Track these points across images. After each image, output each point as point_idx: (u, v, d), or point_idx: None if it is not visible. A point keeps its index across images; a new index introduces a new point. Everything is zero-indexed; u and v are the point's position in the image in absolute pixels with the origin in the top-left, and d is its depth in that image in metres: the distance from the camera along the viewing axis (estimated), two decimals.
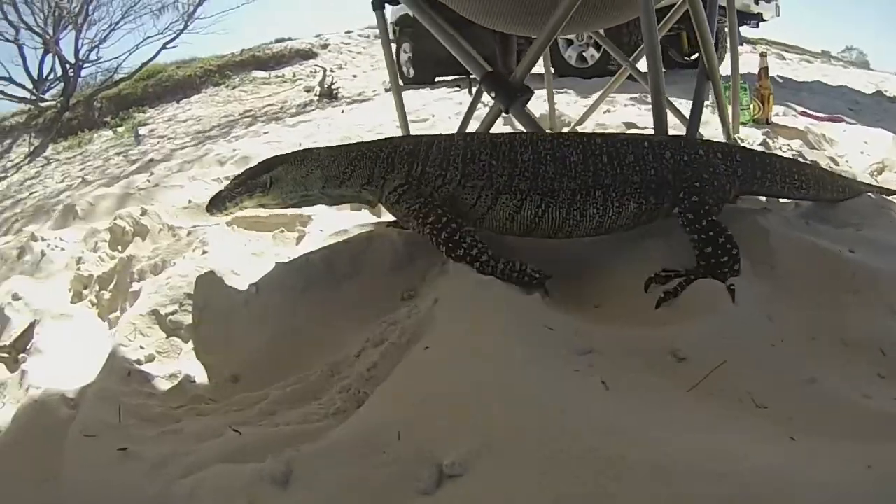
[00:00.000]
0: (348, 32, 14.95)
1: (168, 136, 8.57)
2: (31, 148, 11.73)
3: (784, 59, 11.13)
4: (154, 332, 1.56)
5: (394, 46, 10.34)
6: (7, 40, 13.45)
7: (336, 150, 1.58)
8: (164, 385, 1.41)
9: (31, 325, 1.83)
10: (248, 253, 1.91)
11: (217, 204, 1.67)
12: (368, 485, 0.88)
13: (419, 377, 1.09)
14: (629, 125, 3.64)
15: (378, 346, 1.32)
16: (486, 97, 2.29)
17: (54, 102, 12.98)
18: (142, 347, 1.50)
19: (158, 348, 1.52)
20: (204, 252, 1.91)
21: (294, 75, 11.77)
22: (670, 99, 3.41)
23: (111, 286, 2.09)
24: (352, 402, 1.17)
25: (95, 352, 1.68)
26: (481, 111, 3.14)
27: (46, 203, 5.48)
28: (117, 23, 13.73)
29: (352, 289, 1.64)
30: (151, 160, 5.74)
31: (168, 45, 13.34)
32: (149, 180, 4.19)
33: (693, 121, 2.25)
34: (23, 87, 13.62)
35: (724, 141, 1.59)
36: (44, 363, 1.63)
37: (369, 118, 5.41)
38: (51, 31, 13.16)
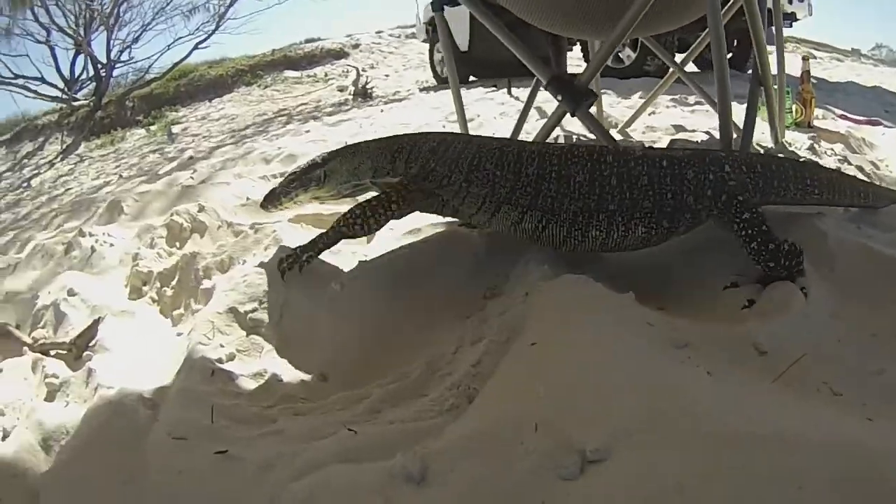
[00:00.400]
0: (378, 32, 14.93)
1: (202, 134, 8.54)
2: (64, 146, 11.79)
3: (815, 58, 10.90)
4: (233, 330, 1.49)
5: (427, 46, 10.30)
6: (38, 41, 13.63)
7: (382, 142, 1.65)
8: (250, 384, 1.35)
9: (96, 322, 1.74)
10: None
11: (272, 200, 1.73)
12: (509, 476, 0.88)
13: (535, 371, 1.08)
14: (678, 128, 3.51)
15: (476, 343, 1.32)
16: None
17: (86, 102, 13.05)
18: (222, 346, 1.43)
19: (239, 346, 1.45)
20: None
21: (326, 75, 11.74)
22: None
23: (173, 283, 2.01)
24: (462, 398, 1.16)
25: (162, 349, 1.64)
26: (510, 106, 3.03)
27: (85, 199, 5.44)
28: (148, 24, 13.77)
29: (435, 287, 1.62)
30: (191, 158, 5.67)
31: (200, 46, 13.38)
32: (192, 177, 4.11)
33: (747, 128, 2.15)
34: (55, 86, 13.75)
35: (754, 151, 1.61)
36: (111, 361, 1.57)
37: (412, 117, 5.33)
38: (82, 33, 13.24)
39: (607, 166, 1.37)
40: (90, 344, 1.68)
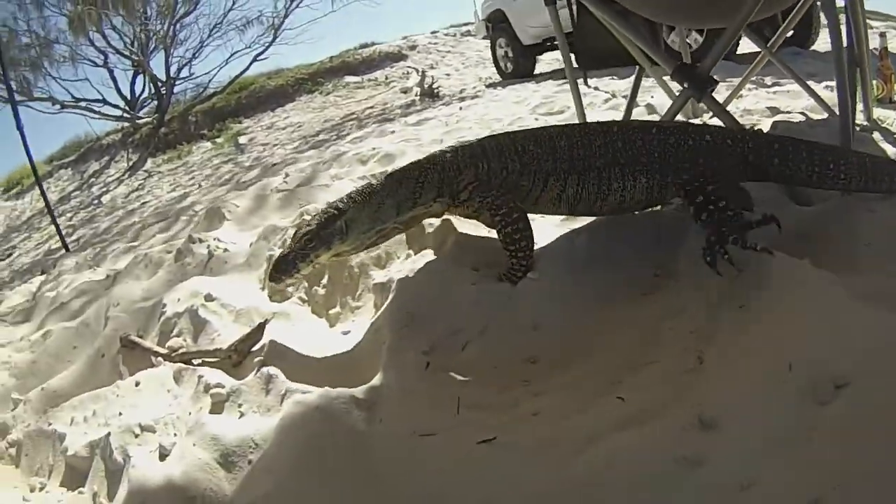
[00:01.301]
0: (434, 32, 14.83)
1: (271, 143, 8.50)
2: (130, 163, 11.96)
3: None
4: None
5: (486, 43, 10.13)
6: (96, 65, 13.98)
7: (396, 175, 1.59)
8: (466, 374, 1.29)
9: (260, 326, 1.58)
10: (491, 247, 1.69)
11: (285, 269, 1.47)
12: (778, 409, 0.94)
13: (767, 325, 1.11)
14: (773, 110, 3.31)
15: (680, 314, 1.31)
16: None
17: (149, 119, 13.25)
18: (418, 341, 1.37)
19: (435, 341, 1.39)
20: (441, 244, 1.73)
21: (387, 78, 11.65)
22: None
23: (323, 282, 1.85)
24: (694, 358, 1.15)
25: (334, 349, 1.55)
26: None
27: (169, 209, 5.40)
28: (205, 40, 13.92)
29: (613, 269, 1.60)
30: (274, 165, 5.56)
31: (258, 58, 13.45)
32: (286, 181, 3.98)
33: (844, 108, 1.96)
34: (116, 107, 14.03)
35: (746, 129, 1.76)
36: (289, 365, 1.44)
37: (498, 112, 5.17)
38: (140, 54, 13.47)
39: (614, 134, 1.58)
40: (253, 349, 1.51)
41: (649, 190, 1.57)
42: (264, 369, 1.38)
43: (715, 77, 2.05)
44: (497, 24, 9.15)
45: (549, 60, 9.86)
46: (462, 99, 7.31)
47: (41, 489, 1.53)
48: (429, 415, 1.14)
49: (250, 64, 13.48)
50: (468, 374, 1.27)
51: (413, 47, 13.63)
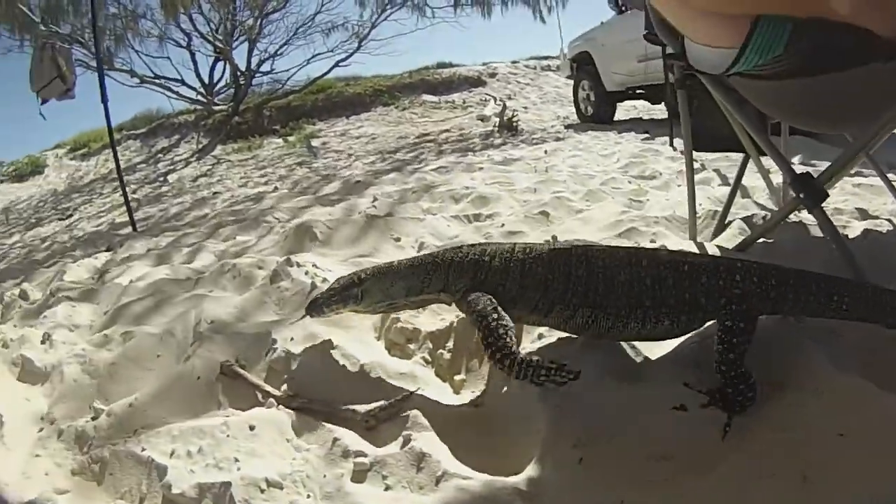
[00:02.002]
0: (514, 62, 14.85)
1: (345, 151, 8.53)
2: (199, 146, 12.16)
3: None
4: None
5: (569, 82, 10.07)
6: (179, 45, 14.30)
7: (412, 262, 1.71)
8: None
9: (406, 397, 1.52)
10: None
11: (316, 309, 1.77)
12: None
13: None
14: (862, 212, 3.02)
15: None
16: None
17: (224, 107, 13.45)
18: None
19: None
20: None
21: (464, 102, 11.70)
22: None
23: (448, 345, 1.83)
24: None
25: (470, 424, 1.51)
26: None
27: (245, 209, 5.41)
28: (289, 39, 14.14)
29: None
30: (357, 183, 5.56)
31: (341, 63, 13.60)
32: (375, 206, 3.95)
33: None
34: (193, 89, 14.28)
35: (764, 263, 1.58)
36: (432, 440, 1.39)
37: (585, 163, 5.11)
38: (223, 41, 13.72)
39: (643, 269, 1.52)
40: (390, 417, 1.48)
41: (670, 331, 1.54)
42: (414, 444, 1.33)
43: (826, 190, 1.99)
44: (582, 66, 9.13)
45: (625, 108, 9.78)
46: (543, 140, 7.26)
47: None
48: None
49: (332, 68, 13.73)
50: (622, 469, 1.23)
51: (493, 74, 13.68)
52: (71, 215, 8.84)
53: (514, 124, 8.49)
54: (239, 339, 2.06)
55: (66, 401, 1.97)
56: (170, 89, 13.77)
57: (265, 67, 14.32)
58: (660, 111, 9.27)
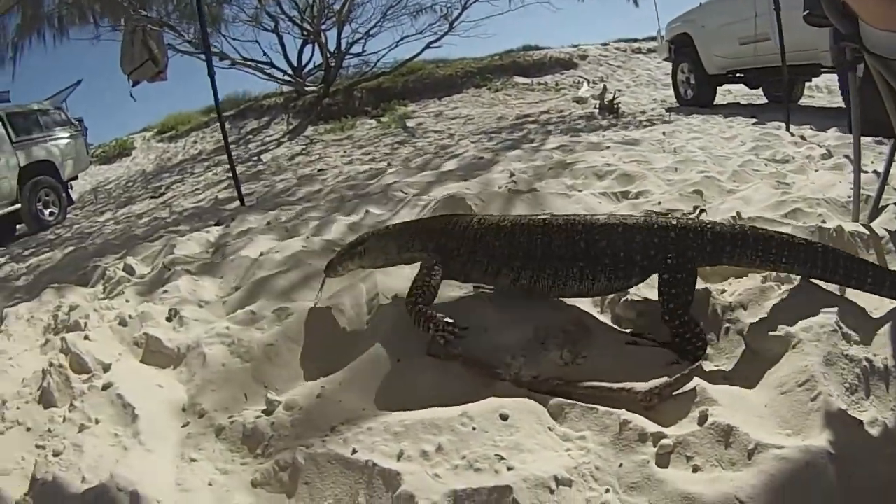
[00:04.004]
0: (605, 45, 14.58)
1: (444, 131, 8.52)
2: (290, 126, 12.34)
3: None
4: None
5: (668, 65, 9.81)
6: (267, 29, 14.39)
7: (401, 226, 2.08)
8: None
9: (690, 373, 1.39)
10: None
11: (332, 268, 2.13)
12: None
13: None
14: None
15: None
16: None
17: (315, 88, 13.61)
18: None
19: None
20: None
21: (556, 84, 11.55)
22: None
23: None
24: None
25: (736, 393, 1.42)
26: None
27: (365, 184, 5.40)
28: (378, 21, 14.17)
29: None
30: (481, 159, 5.51)
31: (432, 45, 13.56)
32: (514, 181, 3.92)
33: None
34: (283, 71, 14.47)
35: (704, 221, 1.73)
36: (723, 410, 1.31)
37: (710, 144, 4.97)
38: (312, 24, 13.84)
39: (577, 233, 1.71)
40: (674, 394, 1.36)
41: (610, 287, 1.74)
42: (717, 419, 1.23)
43: None
44: (681, 48, 8.84)
45: (722, 91, 9.45)
46: (651, 122, 7.11)
47: None
48: None
49: (423, 50, 13.64)
50: None
51: (584, 57, 13.47)
52: (164, 193, 9.02)
53: (616, 106, 8.32)
54: None
55: (214, 388, 1.77)
56: (261, 71, 13.99)
57: (355, 49, 14.42)
58: (757, 96, 8.97)
